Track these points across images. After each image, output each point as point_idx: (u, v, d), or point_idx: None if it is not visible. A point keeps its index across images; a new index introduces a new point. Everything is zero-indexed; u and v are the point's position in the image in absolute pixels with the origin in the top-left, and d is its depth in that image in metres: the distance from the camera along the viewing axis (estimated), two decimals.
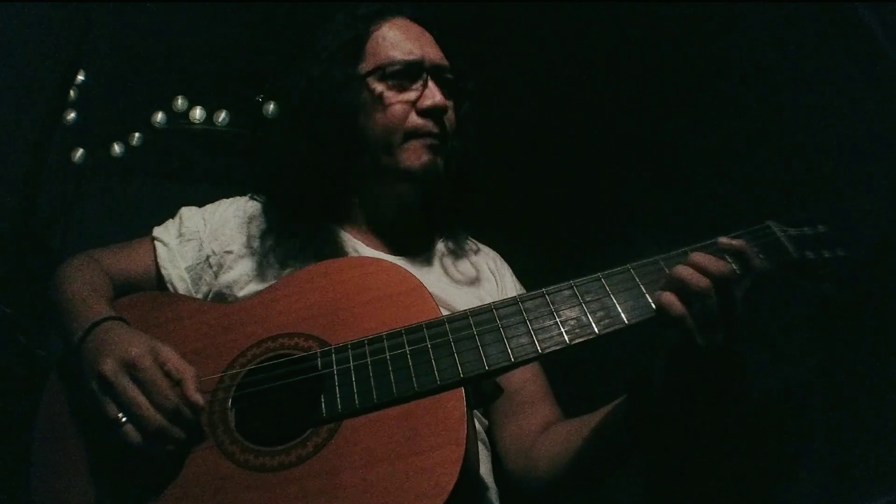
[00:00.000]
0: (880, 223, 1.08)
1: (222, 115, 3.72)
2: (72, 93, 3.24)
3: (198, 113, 3.70)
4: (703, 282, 0.93)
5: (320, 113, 1.27)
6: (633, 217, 3.16)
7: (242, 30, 3.19)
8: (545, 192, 3.32)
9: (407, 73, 1.28)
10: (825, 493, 2.04)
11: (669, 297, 0.94)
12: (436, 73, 1.30)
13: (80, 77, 3.32)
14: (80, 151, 3.53)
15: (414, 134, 1.26)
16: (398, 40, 1.30)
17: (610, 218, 3.21)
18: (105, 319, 1.11)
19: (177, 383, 1.02)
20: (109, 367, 1.01)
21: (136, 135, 3.70)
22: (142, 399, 0.99)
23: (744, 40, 2.43)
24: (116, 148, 3.67)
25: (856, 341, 1.99)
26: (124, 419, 0.99)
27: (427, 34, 1.35)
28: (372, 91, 1.27)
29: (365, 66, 1.29)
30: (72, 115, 3.43)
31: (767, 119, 2.40)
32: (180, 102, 3.68)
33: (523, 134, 3.18)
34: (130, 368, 1.01)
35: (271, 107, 3.62)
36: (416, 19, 1.36)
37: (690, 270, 0.94)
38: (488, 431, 1.30)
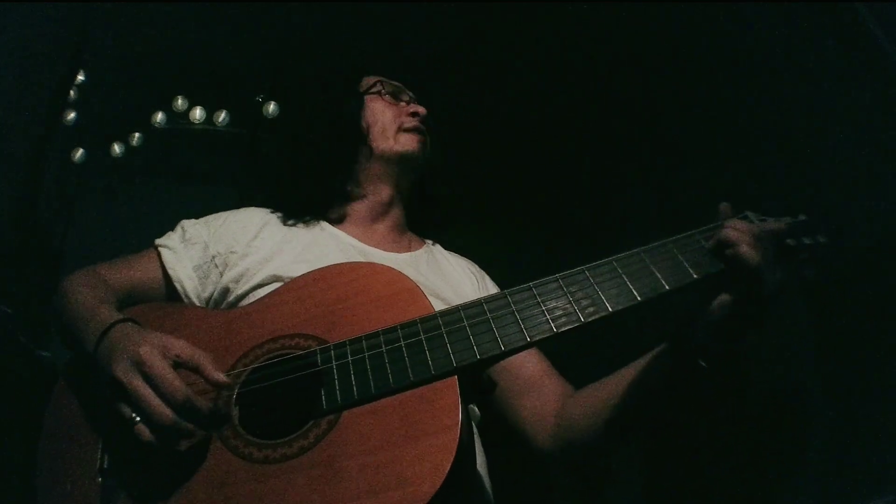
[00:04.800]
0: (877, 223, 1.10)
1: (222, 115, 3.73)
2: (72, 93, 3.24)
3: (198, 113, 3.71)
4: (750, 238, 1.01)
5: (331, 122, 1.58)
6: (613, 211, 3.18)
7: (242, 30, 3.20)
8: (526, 191, 3.34)
9: (394, 91, 1.63)
10: (825, 493, 2.05)
11: (745, 249, 1.00)
12: (414, 101, 1.65)
13: (80, 77, 3.33)
14: (80, 151, 3.53)
15: (405, 129, 1.55)
16: (384, 79, 1.66)
17: (589, 212, 3.22)
18: (116, 323, 1.12)
19: (194, 370, 1.04)
20: (120, 369, 1.02)
21: (136, 135, 3.70)
22: (151, 396, 1.00)
23: (743, 40, 2.43)
24: (116, 148, 3.67)
25: (856, 341, 1.99)
26: (137, 419, 1.00)
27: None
28: (369, 102, 1.60)
29: (362, 87, 1.63)
30: (72, 115, 3.43)
31: (766, 119, 2.40)
32: (180, 102, 3.68)
33: (508, 133, 3.20)
34: (141, 367, 1.02)
35: (271, 107, 3.62)
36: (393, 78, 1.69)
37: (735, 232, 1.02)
38: (505, 420, 1.35)
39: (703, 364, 1.06)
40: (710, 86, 2.60)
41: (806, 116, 2.20)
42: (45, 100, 2.47)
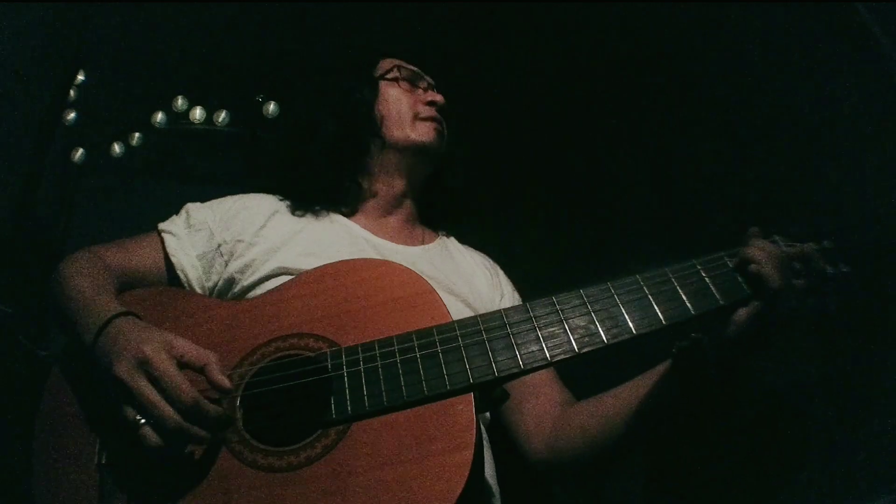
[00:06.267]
0: (879, 226, 1.10)
1: (222, 115, 3.72)
2: (72, 93, 3.24)
3: (198, 113, 3.70)
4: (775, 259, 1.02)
5: (343, 111, 1.53)
6: (635, 228, 3.15)
7: (242, 30, 3.19)
8: (546, 200, 3.32)
9: (411, 77, 1.57)
10: (825, 493, 2.04)
11: (769, 270, 1.00)
12: (432, 88, 1.61)
13: (80, 77, 3.33)
14: (80, 151, 3.53)
15: (422, 118, 1.51)
16: (401, 63, 1.61)
17: (612, 228, 3.20)
18: (116, 316, 1.08)
19: (199, 371, 1.00)
20: (124, 369, 0.98)
21: (136, 135, 3.70)
22: (157, 398, 0.96)
23: (743, 41, 2.43)
24: (116, 148, 3.67)
25: (857, 341, 1.99)
26: (142, 421, 0.97)
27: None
28: (385, 89, 1.55)
29: (378, 72, 1.58)
30: (72, 115, 3.43)
31: (767, 121, 2.40)
32: (180, 102, 3.68)
33: (526, 126, 3.18)
34: (145, 366, 0.98)
35: (271, 107, 3.62)
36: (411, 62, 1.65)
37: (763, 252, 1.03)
38: (502, 422, 1.34)
39: (712, 392, 1.05)
40: (709, 89, 2.60)
41: (805, 117, 2.20)
42: (45, 100, 2.47)
